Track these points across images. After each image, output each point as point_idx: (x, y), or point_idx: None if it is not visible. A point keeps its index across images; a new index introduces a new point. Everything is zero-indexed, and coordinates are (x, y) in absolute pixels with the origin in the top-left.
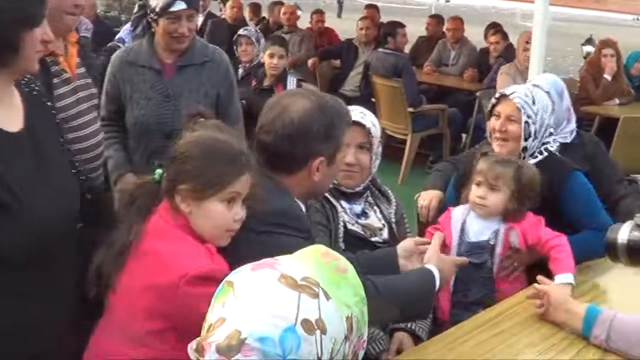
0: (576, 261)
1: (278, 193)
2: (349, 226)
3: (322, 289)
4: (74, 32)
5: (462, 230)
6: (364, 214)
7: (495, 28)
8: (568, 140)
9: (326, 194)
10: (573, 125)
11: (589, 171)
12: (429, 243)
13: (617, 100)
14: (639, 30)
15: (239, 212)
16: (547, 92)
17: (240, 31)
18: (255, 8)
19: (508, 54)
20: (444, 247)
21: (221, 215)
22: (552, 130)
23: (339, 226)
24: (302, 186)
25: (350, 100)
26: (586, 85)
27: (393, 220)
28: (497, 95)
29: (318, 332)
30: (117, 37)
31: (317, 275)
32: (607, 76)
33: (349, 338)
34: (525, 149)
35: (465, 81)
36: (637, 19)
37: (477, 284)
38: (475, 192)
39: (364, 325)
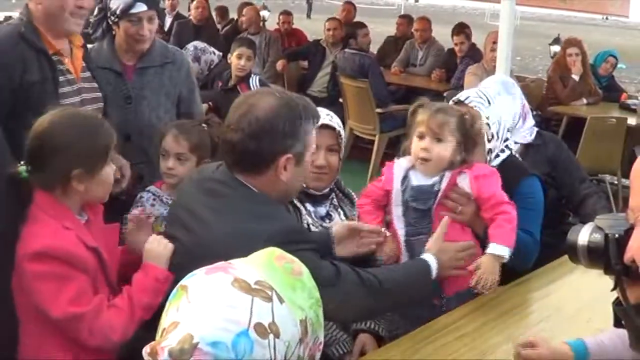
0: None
1: (269, 208)
2: (313, 229)
3: (276, 292)
4: (79, 36)
5: (406, 177)
6: (328, 216)
7: (460, 28)
8: (528, 140)
9: None
10: (530, 123)
11: (551, 172)
12: (364, 230)
13: (584, 100)
14: (608, 29)
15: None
16: (498, 93)
17: None
18: (223, 11)
19: (474, 54)
20: (386, 196)
21: (110, 175)
22: (509, 128)
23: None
24: (273, 189)
25: (318, 101)
26: (554, 85)
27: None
28: (452, 102)
29: (271, 335)
30: None
31: (271, 278)
32: (575, 76)
33: (304, 341)
34: (490, 150)
35: (433, 81)
36: (606, 19)
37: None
38: (417, 144)
39: (320, 328)
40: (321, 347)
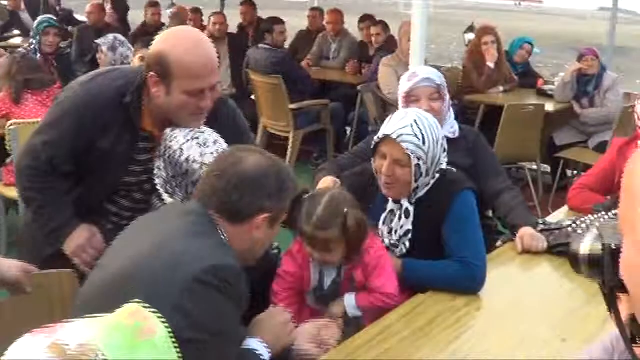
0: (424, 283)
1: (222, 249)
2: None
3: (102, 354)
4: None
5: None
6: None
7: (370, 20)
8: (452, 136)
9: None
10: (452, 117)
11: (473, 164)
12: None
13: (500, 88)
14: (520, 14)
15: None
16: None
17: (98, 40)
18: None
19: (389, 45)
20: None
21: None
22: (444, 153)
23: None
24: (241, 241)
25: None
26: (469, 74)
27: None
28: (380, 135)
29: None
30: None
31: (105, 339)
32: (490, 64)
33: None
34: (416, 188)
35: (347, 74)
36: (519, 4)
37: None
38: (310, 251)
39: None
40: None
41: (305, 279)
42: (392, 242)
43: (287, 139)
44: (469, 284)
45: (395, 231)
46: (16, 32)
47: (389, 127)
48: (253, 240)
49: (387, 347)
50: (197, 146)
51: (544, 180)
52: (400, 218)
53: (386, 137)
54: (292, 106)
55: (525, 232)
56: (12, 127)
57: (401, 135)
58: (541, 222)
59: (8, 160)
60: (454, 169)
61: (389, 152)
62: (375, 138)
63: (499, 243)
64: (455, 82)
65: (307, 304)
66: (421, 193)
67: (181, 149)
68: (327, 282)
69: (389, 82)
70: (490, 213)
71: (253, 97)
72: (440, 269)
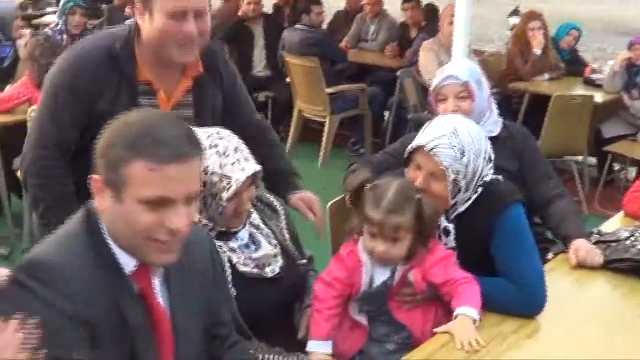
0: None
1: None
2: (241, 268)
3: None
4: (198, 63)
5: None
6: (254, 242)
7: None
8: (494, 134)
9: None
10: (495, 113)
11: (520, 167)
12: None
13: (546, 75)
14: None
15: None
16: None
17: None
18: None
19: (430, 27)
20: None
21: None
22: (488, 165)
23: (225, 270)
24: (114, 222)
25: (262, 81)
26: (514, 60)
27: (287, 237)
28: (414, 144)
29: None
30: None
31: None
32: (537, 50)
33: None
34: (454, 204)
35: (386, 57)
36: None
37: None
38: (372, 244)
39: None
40: None
41: (355, 284)
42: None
43: (323, 123)
44: (527, 310)
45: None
46: (50, 9)
47: (424, 136)
48: (110, 216)
49: None
50: (216, 155)
51: (589, 173)
52: (440, 237)
53: (420, 147)
54: (328, 90)
55: (580, 244)
56: (34, 113)
57: (436, 147)
58: (596, 232)
59: None
60: (500, 178)
61: (423, 163)
62: (409, 147)
63: (550, 255)
64: (498, 68)
65: (349, 314)
66: (461, 209)
67: None
68: (377, 284)
69: (430, 67)
70: (538, 219)
71: (288, 79)
72: (499, 289)
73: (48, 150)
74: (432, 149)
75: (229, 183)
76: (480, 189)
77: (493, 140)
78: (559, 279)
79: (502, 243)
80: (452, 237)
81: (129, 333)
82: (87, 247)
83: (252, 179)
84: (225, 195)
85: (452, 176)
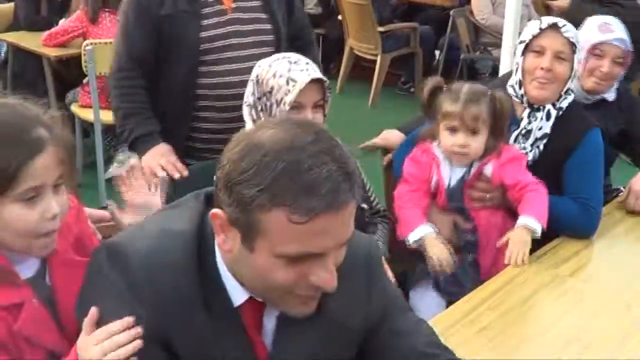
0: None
1: None
2: None
3: None
4: None
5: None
6: None
7: None
8: (610, 99)
9: None
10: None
11: (624, 129)
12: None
13: None
14: None
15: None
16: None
17: None
18: None
19: None
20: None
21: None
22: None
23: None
24: (238, 264)
25: (314, 18)
26: None
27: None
28: (541, 25)
29: None
30: None
31: None
32: None
33: None
34: (568, 91)
35: None
36: None
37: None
38: (451, 140)
39: None
40: None
41: (431, 180)
42: (524, 146)
43: (374, 62)
44: (586, 229)
45: (533, 133)
46: None
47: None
48: None
49: (483, 325)
50: (287, 62)
51: None
52: (541, 119)
53: (548, 28)
54: (380, 29)
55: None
56: (88, 47)
57: (565, 24)
58: None
59: (85, 81)
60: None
61: (549, 45)
62: (533, 30)
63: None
64: None
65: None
66: (564, 104)
67: (270, 66)
68: (454, 180)
69: (483, 7)
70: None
71: (340, 17)
72: (564, 204)
73: (124, 63)
74: (563, 25)
75: (294, 86)
76: (571, 94)
77: (601, 103)
78: (612, 226)
79: (577, 161)
80: (551, 122)
81: None
82: (191, 259)
83: (319, 90)
84: (289, 98)
85: (576, 53)
